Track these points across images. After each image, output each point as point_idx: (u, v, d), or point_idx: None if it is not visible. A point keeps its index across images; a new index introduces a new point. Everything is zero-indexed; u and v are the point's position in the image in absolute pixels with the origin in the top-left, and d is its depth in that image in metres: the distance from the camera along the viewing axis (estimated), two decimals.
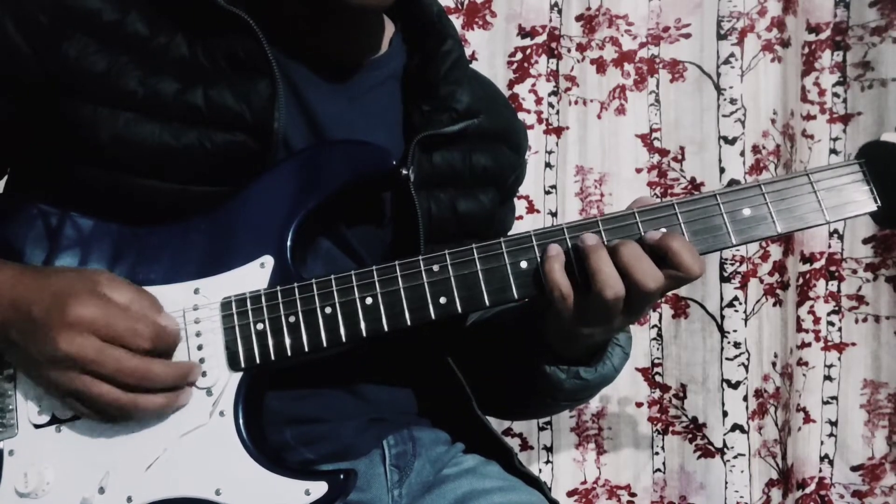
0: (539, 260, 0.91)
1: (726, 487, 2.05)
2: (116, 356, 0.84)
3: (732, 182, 2.02)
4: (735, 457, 2.05)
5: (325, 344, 0.91)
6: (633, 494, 2.11)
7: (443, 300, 0.91)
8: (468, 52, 1.97)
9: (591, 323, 0.92)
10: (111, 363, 0.84)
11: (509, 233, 1.19)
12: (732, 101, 2.03)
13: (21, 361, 0.89)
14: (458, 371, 1.09)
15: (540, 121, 2.04)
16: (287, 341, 0.91)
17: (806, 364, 2.07)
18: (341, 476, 0.88)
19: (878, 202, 0.93)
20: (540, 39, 2.04)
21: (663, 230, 0.91)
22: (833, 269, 2.06)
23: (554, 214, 2.07)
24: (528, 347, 1.02)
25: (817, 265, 2.05)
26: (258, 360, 0.91)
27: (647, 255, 0.88)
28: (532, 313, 1.00)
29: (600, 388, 1.07)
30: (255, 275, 0.93)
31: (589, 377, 1.02)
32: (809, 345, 2.07)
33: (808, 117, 2.05)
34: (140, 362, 0.85)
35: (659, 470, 2.11)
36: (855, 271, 2.05)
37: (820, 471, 2.07)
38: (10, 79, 0.94)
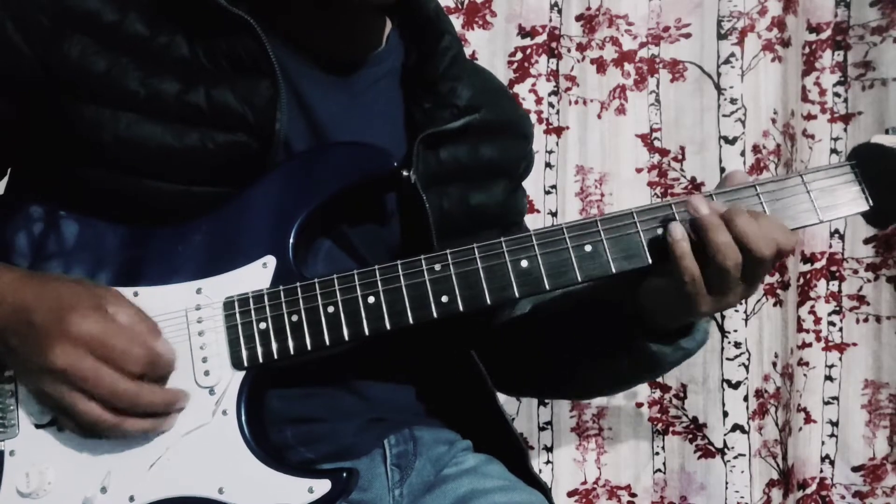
0: (657, 239, 0.92)
1: (727, 488, 2.05)
2: (108, 378, 0.84)
3: None
4: (735, 457, 2.04)
5: (327, 343, 0.91)
6: (633, 495, 2.11)
7: (444, 299, 0.91)
8: (468, 52, 1.97)
9: (713, 293, 0.92)
10: (102, 384, 0.84)
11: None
12: (733, 101, 2.03)
13: (18, 368, 0.89)
14: (483, 366, 1.09)
15: (540, 121, 2.04)
16: (290, 340, 0.91)
17: (807, 364, 2.07)
18: (344, 474, 0.89)
19: (870, 202, 0.95)
20: (540, 39, 2.04)
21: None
22: (834, 269, 2.06)
23: (554, 214, 2.07)
24: (624, 327, 1.01)
25: (818, 265, 2.05)
26: (261, 360, 0.91)
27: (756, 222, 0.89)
28: (625, 293, 0.99)
29: (695, 353, 1.07)
30: (257, 275, 0.93)
31: (690, 346, 1.02)
32: (810, 345, 2.07)
33: (809, 117, 2.06)
34: (130, 386, 0.85)
35: (659, 470, 2.11)
36: (856, 271, 2.06)
37: (821, 471, 2.07)
38: (10, 80, 0.94)
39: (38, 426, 0.90)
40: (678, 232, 0.90)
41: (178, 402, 0.89)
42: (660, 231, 0.92)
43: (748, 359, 2.04)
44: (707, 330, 1.04)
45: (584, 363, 1.09)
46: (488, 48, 2.04)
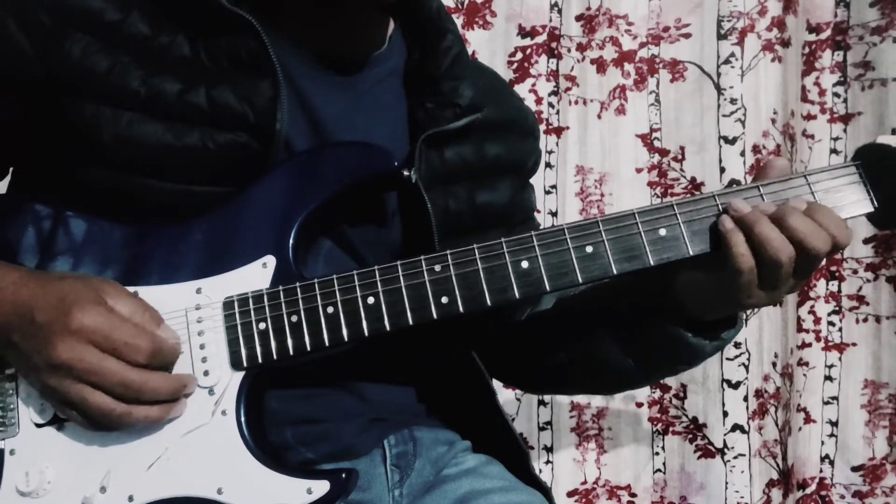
0: (709, 233, 0.91)
1: (726, 488, 2.05)
2: (115, 368, 0.84)
3: (733, 182, 2.02)
4: (735, 457, 2.05)
5: (327, 343, 0.91)
6: (633, 495, 2.11)
7: (444, 300, 0.91)
8: (468, 52, 1.97)
9: (764, 288, 0.91)
10: (109, 375, 0.84)
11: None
12: (733, 101, 2.03)
13: (21, 365, 0.89)
14: (484, 367, 1.09)
15: (540, 121, 2.04)
16: (289, 341, 0.91)
17: (806, 364, 2.07)
18: (343, 475, 0.88)
19: (875, 204, 0.94)
20: (540, 39, 2.04)
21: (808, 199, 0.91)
22: (833, 268, 2.06)
23: (554, 214, 2.07)
24: (660, 319, 1.00)
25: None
26: (260, 360, 0.91)
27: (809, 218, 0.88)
28: (661, 287, 0.98)
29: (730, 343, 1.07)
30: (257, 275, 0.93)
31: (728, 337, 1.02)
32: (810, 345, 2.07)
33: (809, 117, 2.06)
34: (137, 375, 0.85)
35: (659, 470, 2.11)
36: (855, 271, 2.06)
37: (820, 471, 2.07)
38: (12, 79, 0.94)
39: (38, 425, 0.90)
40: (730, 223, 0.90)
41: (185, 387, 0.89)
42: (702, 225, 0.92)
43: (748, 359, 2.04)
44: (741, 319, 1.03)
45: (617, 355, 1.07)
46: (488, 48, 2.04)
